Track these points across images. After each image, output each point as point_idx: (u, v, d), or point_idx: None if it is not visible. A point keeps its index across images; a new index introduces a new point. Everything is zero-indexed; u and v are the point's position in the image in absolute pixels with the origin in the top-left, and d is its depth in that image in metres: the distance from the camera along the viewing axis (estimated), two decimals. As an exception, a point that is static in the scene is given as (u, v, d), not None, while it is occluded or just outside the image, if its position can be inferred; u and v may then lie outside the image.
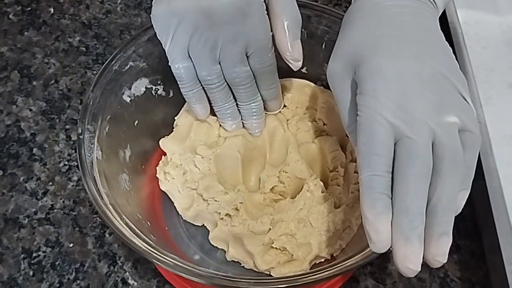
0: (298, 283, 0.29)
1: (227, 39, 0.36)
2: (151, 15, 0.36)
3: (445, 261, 0.27)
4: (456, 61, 0.32)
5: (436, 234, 0.27)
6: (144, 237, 0.32)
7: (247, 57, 0.38)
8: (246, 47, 0.37)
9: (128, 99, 0.40)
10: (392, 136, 0.28)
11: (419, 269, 0.26)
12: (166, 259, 0.30)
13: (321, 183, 0.40)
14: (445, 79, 0.30)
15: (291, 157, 0.41)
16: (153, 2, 0.36)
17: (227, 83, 0.39)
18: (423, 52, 0.31)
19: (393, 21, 0.32)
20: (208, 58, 0.37)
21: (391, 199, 0.27)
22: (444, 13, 0.51)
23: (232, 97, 0.41)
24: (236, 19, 0.35)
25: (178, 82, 0.39)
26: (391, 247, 0.27)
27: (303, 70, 0.46)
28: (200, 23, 0.35)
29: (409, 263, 0.26)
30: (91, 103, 0.37)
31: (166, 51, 0.37)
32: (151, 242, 0.32)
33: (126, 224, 0.32)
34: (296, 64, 0.37)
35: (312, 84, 0.46)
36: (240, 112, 0.42)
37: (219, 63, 0.38)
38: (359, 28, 0.32)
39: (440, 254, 0.27)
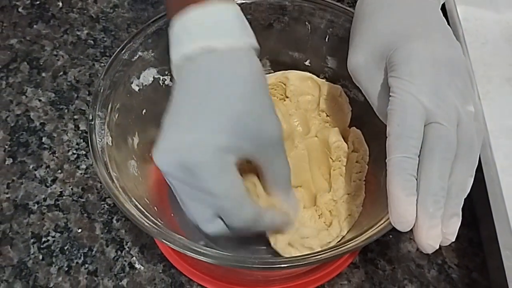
0: (300, 263, 0.30)
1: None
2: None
3: (454, 239, 0.29)
4: None
5: (448, 214, 0.29)
6: (153, 219, 0.33)
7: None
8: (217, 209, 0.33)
9: (136, 88, 0.41)
10: (424, 119, 0.30)
11: (438, 247, 0.28)
12: (175, 238, 0.31)
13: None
14: (465, 67, 0.32)
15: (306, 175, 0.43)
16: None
17: None
18: (448, 40, 0.33)
19: (414, 10, 0.34)
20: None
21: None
22: (444, 9, 0.52)
23: None
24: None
25: None
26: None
27: (307, 63, 0.47)
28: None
29: (431, 240, 0.28)
30: (101, 90, 0.38)
31: None
32: (160, 224, 0.33)
33: (136, 206, 0.34)
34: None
35: (315, 76, 0.47)
36: None
37: None
38: (385, 18, 0.34)
39: (451, 233, 0.29)
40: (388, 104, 0.31)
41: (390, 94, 0.31)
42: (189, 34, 0.32)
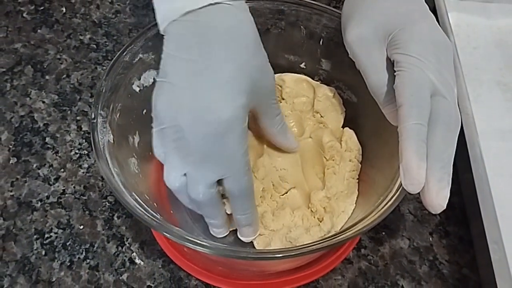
0: (294, 253, 0.32)
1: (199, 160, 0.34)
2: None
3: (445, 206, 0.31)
4: None
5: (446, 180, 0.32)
6: (153, 213, 0.35)
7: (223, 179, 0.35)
8: (220, 170, 0.34)
9: (137, 89, 0.43)
10: (431, 93, 0.33)
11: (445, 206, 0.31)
12: (174, 230, 0.32)
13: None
14: (453, 52, 0.35)
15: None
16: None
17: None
18: (438, 26, 0.36)
19: None
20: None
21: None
22: (436, 15, 0.53)
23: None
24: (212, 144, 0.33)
25: None
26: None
27: (302, 65, 0.49)
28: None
29: (440, 199, 0.31)
30: (103, 90, 0.39)
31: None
32: (160, 218, 0.34)
33: (136, 200, 0.35)
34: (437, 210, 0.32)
35: (310, 79, 0.48)
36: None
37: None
38: (387, 0, 0.37)
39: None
40: (397, 78, 0.34)
41: (398, 68, 0.34)
42: None
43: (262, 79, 0.36)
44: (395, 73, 0.34)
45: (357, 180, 0.44)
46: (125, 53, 0.41)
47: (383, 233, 0.45)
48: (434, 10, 0.55)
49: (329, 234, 0.40)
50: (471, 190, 0.43)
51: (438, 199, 0.31)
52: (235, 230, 0.41)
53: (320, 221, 0.41)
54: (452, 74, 0.34)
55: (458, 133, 0.33)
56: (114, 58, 0.41)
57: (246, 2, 0.46)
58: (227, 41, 0.33)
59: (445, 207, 0.31)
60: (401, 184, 0.35)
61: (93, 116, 0.38)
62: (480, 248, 0.43)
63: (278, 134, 0.41)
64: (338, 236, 0.32)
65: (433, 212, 0.31)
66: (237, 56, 0.33)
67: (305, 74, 0.48)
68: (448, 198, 0.31)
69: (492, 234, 0.39)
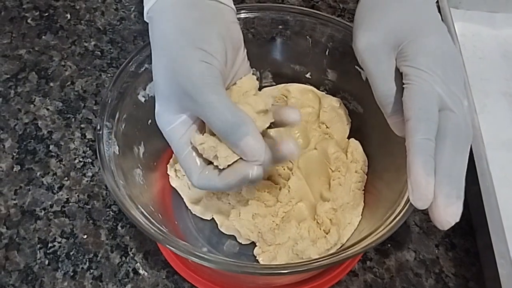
0: (301, 269, 0.31)
1: None
2: None
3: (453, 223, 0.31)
4: None
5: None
6: (158, 225, 0.34)
7: None
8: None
9: (142, 99, 0.42)
10: (439, 107, 0.32)
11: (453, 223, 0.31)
12: (180, 244, 0.32)
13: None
14: (462, 64, 0.36)
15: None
16: None
17: None
18: (448, 36, 0.36)
19: (421, 3, 0.37)
20: None
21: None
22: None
23: None
24: None
25: None
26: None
27: (307, 75, 0.49)
28: None
29: (449, 217, 0.30)
30: (109, 101, 0.39)
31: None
32: (164, 231, 0.34)
33: (141, 213, 0.35)
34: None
35: (315, 89, 0.48)
36: None
37: None
38: (399, 8, 0.36)
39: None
40: (405, 91, 0.33)
41: (407, 81, 0.34)
42: None
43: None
44: (403, 85, 0.34)
45: (363, 192, 0.44)
46: (130, 63, 0.41)
47: (389, 245, 0.45)
48: (440, 20, 0.55)
49: (336, 247, 0.40)
50: (477, 202, 0.43)
51: (446, 215, 0.31)
52: (239, 243, 0.41)
53: (327, 233, 0.40)
54: (461, 88, 0.34)
55: (469, 147, 0.33)
56: (120, 69, 0.41)
57: (252, 12, 0.46)
58: None
59: (453, 224, 0.31)
60: (409, 199, 0.35)
61: (98, 127, 0.38)
62: (487, 261, 0.43)
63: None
64: (346, 252, 0.32)
65: (441, 228, 0.31)
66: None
67: (311, 84, 0.48)
68: (458, 215, 0.31)
69: (500, 249, 0.39)
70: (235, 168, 0.33)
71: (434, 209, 0.31)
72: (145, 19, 0.37)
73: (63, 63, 0.57)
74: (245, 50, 0.38)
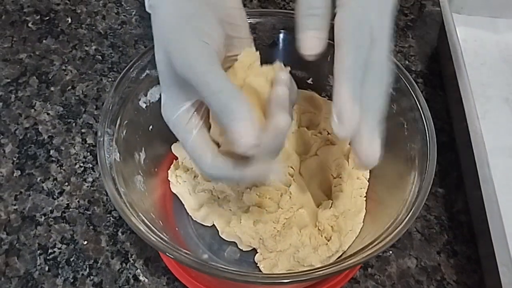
0: (302, 278, 0.31)
1: None
2: None
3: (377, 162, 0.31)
4: None
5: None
6: (159, 233, 0.34)
7: None
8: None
9: (143, 105, 0.42)
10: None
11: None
12: (181, 253, 0.32)
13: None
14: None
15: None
16: None
17: None
18: None
19: None
20: None
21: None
22: (443, 30, 0.53)
23: None
24: None
25: None
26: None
27: (309, 81, 0.48)
28: None
29: (375, 152, 0.30)
30: (110, 107, 0.39)
31: None
32: (165, 238, 0.34)
33: (142, 221, 0.35)
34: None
35: (317, 95, 0.48)
36: None
37: None
38: None
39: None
40: (339, 12, 0.32)
41: (342, 3, 0.32)
42: None
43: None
44: (335, 10, 0.32)
45: (365, 198, 0.44)
46: (132, 69, 0.41)
47: (390, 252, 0.45)
48: (442, 25, 0.54)
49: (337, 254, 0.40)
50: (479, 208, 0.42)
51: (371, 150, 0.30)
52: (240, 249, 0.41)
53: (328, 240, 0.40)
54: (390, 21, 0.32)
55: (389, 84, 0.32)
56: (121, 74, 0.40)
57: (253, 18, 0.46)
58: None
59: (376, 163, 0.30)
60: (412, 206, 0.35)
61: (99, 134, 0.37)
62: (489, 269, 0.42)
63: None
64: (349, 261, 0.32)
65: (364, 169, 0.30)
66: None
67: (312, 90, 0.48)
68: (380, 154, 0.30)
69: (502, 256, 0.39)
70: (251, 160, 0.31)
71: (358, 143, 0.30)
72: (147, 9, 0.36)
73: (63, 68, 0.57)
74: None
